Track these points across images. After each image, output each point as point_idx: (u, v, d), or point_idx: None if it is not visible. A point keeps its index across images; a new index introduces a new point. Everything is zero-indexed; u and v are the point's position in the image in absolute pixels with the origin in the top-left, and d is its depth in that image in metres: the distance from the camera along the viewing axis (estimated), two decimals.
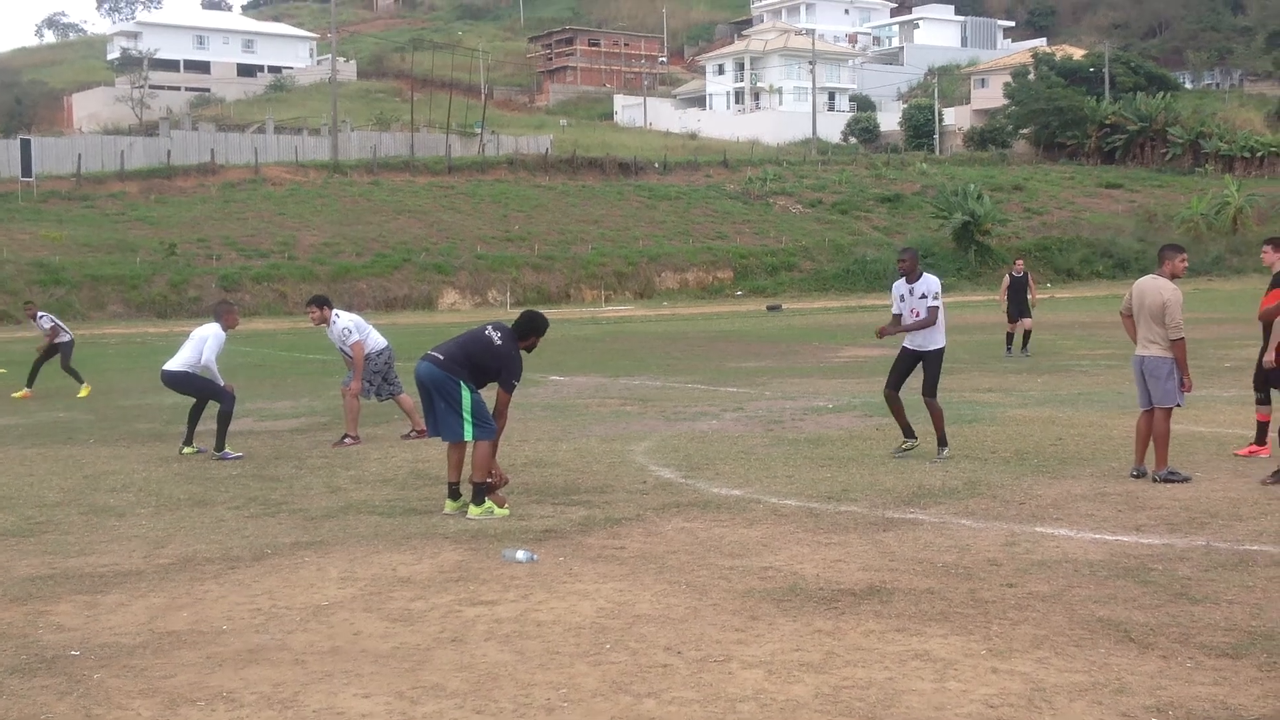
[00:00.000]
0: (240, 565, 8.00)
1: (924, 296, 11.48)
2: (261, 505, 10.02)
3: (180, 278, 54.58)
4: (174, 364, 13.00)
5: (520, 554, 7.97)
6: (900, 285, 11.72)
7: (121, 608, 7.03)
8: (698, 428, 14.28)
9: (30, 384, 20.28)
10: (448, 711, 5.27)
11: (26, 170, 62.84)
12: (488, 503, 9.33)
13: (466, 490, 9.49)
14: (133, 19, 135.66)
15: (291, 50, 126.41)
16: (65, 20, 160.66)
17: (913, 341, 11.68)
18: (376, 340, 13.83)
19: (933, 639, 6.09)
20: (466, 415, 9.21)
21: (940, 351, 11.70)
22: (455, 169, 76.14)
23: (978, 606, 6.63)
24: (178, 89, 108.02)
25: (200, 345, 12.88)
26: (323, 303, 13.43)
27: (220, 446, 12.75)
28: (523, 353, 9.49)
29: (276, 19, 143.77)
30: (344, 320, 13.53)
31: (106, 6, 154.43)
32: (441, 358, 9.32)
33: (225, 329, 13.04)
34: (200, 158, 70.79)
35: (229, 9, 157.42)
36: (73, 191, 64.19)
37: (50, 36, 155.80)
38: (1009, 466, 11.00)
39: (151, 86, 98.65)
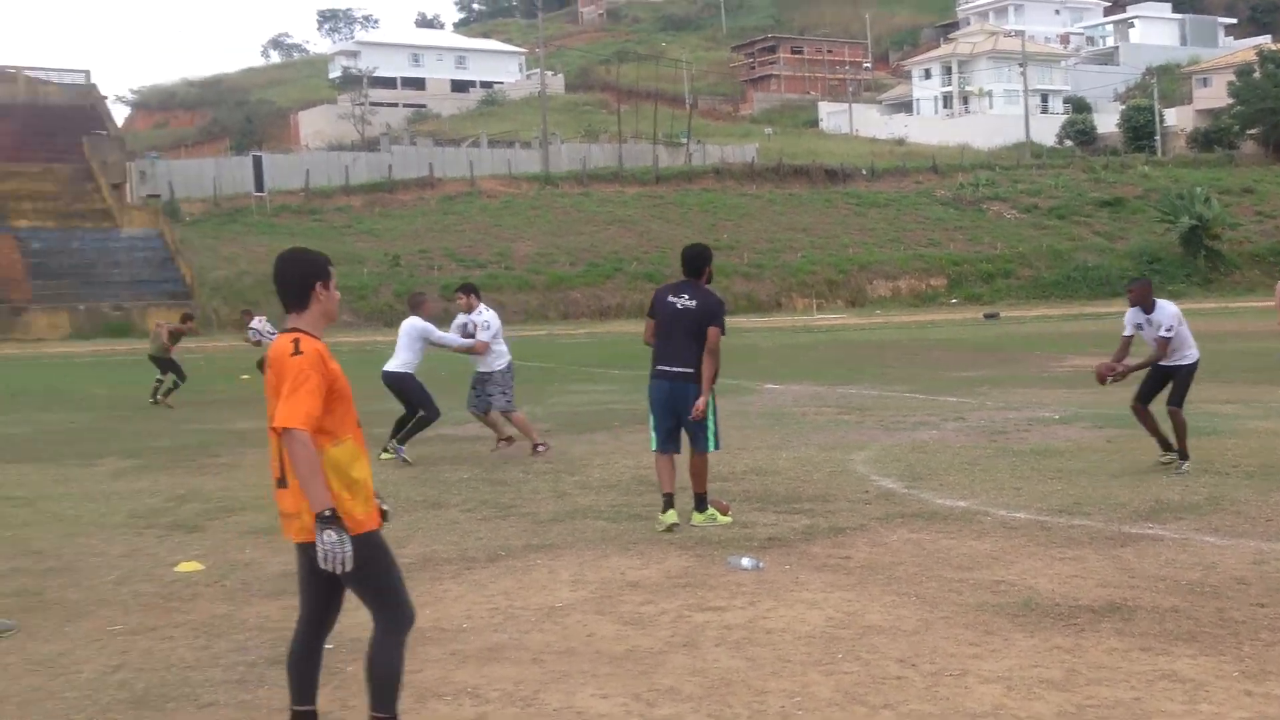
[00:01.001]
0: (476, 566, 8.25)
1: (1168, 329, 11.09)
2: (492, 508, 10.31)
3: (404, 288, 56.42)
4: (393, 365, 13.43)
5: (746, 561, 8.02)
6: (1135, 314, 11.36)
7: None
8: (918, 437, 14.10)
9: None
10: (684, 715, 5.34)
11: (259, 185, 65.97)
12: (710, 509, 9.40)
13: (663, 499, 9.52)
14: (352, 39, 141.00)
15: (502, 65, 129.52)
16: (289, 41, 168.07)
17: (1164, 360, 11.34)
18: (504, 351, 13.80)
19: (1180, 659, 5.89)
20: (712, 426, 9.28)
21: (1194, 365, 11.33)
22: (663, 179, 76.85)
23: (1227, 627, 6.38)
24: (395, 105, 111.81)
25: (412, 341, 13.28)
26: (471, 290, 13.65)
27: (403, 440, 13.15)
28: None
29: (486, 35, 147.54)
30: (487, 314, 13.70)
31: (327, 27, 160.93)
32: (689, 370, 9.12)
33: (424, 318, 13.44)
34: (419, 171, 73.10)
35: (442, 27, 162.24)
36: (302, 205, 67.06)
37: (275, 57, 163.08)
38: (1253, 481, 10.54)
39: (371, 103, 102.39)
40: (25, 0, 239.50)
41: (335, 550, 4.41)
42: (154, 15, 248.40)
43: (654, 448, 9.42)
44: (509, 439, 13.76)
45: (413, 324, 13.43)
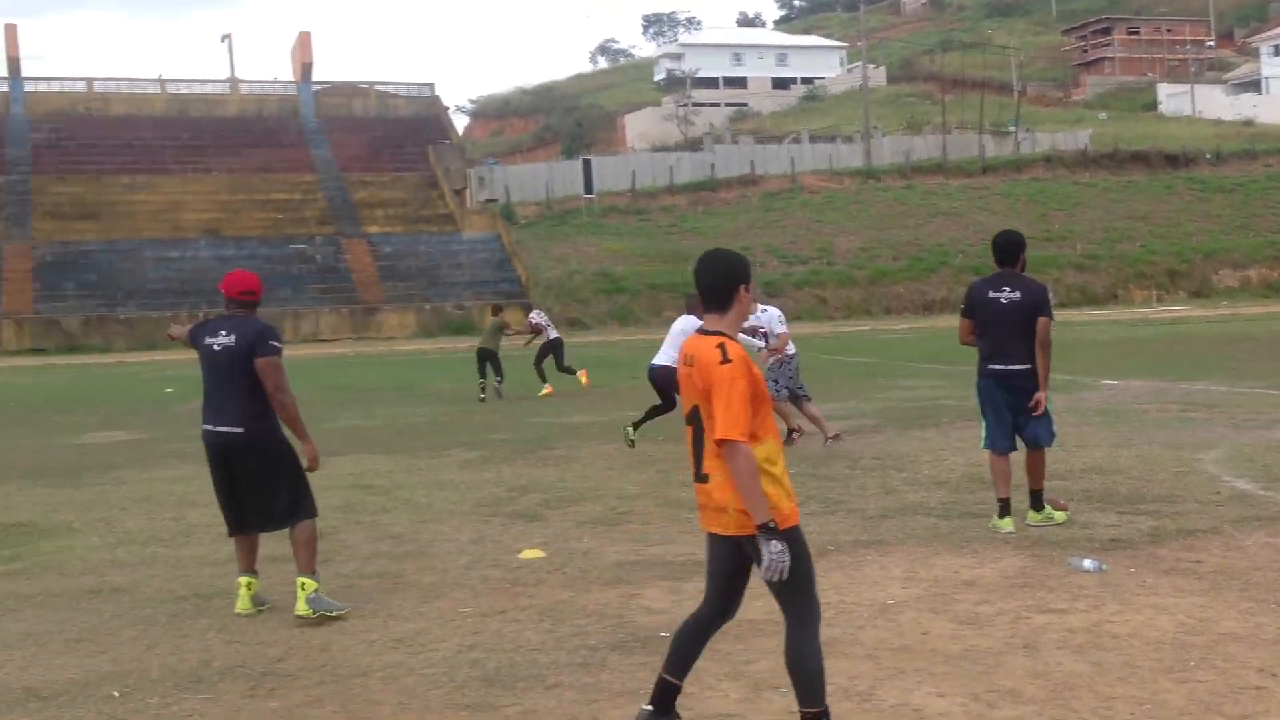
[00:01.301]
0: None
1: None
2: (820, 503, 10.31)
3: None
4: (661, 359, 13.72)
5: (1088, 563, 7.73)
6: None
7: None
8: (1274, 436, 13.23)
9: (545, 379, 22.82)
10: (1026, 718, 5.21)
11: (588, 188, 68.08)
12: (1047, 508, 9.11)
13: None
14: (676, 41, 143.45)
15: (822, 61, 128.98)
16: (616, 46, 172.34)
17: None
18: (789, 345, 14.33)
19: None
20: (1053, 417, 9.03)
21: None
22: (989, 169, 74.82)
23: None
24: (717, 105, 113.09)
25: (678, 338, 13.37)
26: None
27: (637, 426, 14.01)
28: None
29: (807, 31, 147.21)
30: (771, 310, 14.21)
31: (652, 31, 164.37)
32: (1024, 367, 8.83)
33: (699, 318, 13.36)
34: (741, 170, 73.74)
35: (763, 25, 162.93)
36: (628, 206, 68.76)
37: (603, 62, 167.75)
38: None
39: (694, 104, 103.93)
40: (376, 21, 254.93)
41: (779, 560, 4.56)
42: (491, 29, 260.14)
43: (985, 446, 9.18)
44: (798, 429, 14.27)
45: (689, 322, 13.36)
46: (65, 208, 59.52)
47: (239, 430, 7.21)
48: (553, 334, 23.36)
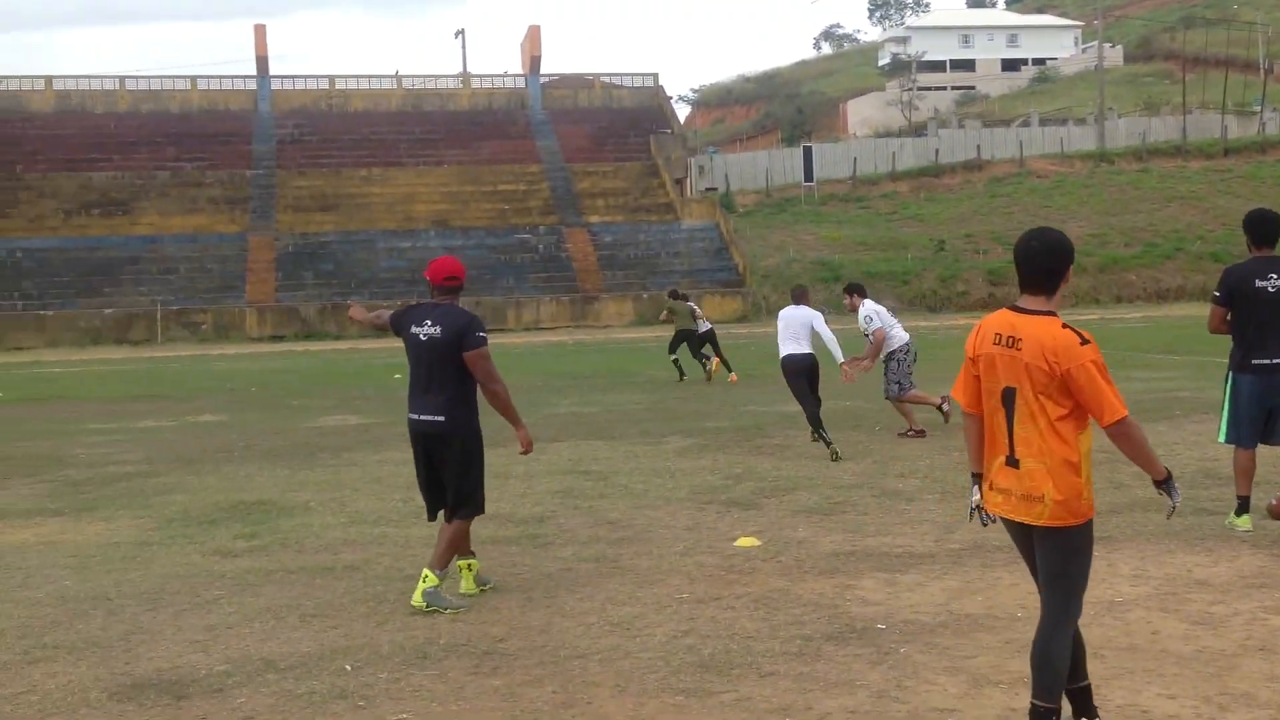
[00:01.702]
0: None
1: None
2: None
3: (949, 272, 56.10)
4: (790, 349, 13.59)
5: None
6: None
7: (919, 587, 7.37)
8: None
9: (730, 368, 23.64)
10: None
11: (808, 176, 67.62)
12: None
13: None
14: (902, 24, 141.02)
15: (1055, 41, 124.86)
16: (840, 31, 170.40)
17: None
18: (900, 335, 14.59)
19: None
20: None
21: None
22: (1231, 151, 71.30)
23: None
24: (944, 89, 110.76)
25: (809, 328, 13.58)
26: (853, 291, 14.71)
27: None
28: None
29: (1040, 10, 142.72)
30: (867, 308, 14.39)
31: (878, 15, 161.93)
32: None
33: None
34: (966, 155, 72.08)
35: (994, 6, 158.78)
36: (849, 193, 68.01)
37: (827, 48, 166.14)
38: None
39: (919, 88, 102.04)
40: (604, 14, 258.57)
41: (1175, 505, 4.86)
42: (716, 18, 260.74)
43: (1225, 441, 8.76)
44: (919, 431, 14.23)
45: (799, 311, 13.75)
46: (306, 201, 62.19)
47: (441, 419, 7.31)
48: (706, 326, 24.49)
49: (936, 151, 72.50)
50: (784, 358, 13.65)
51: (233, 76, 71.80)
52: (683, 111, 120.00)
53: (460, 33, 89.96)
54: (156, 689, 5.92)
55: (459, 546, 7.49)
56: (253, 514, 10.60)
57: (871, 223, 63.27)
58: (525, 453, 7.56)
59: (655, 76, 76.57)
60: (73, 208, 59.86)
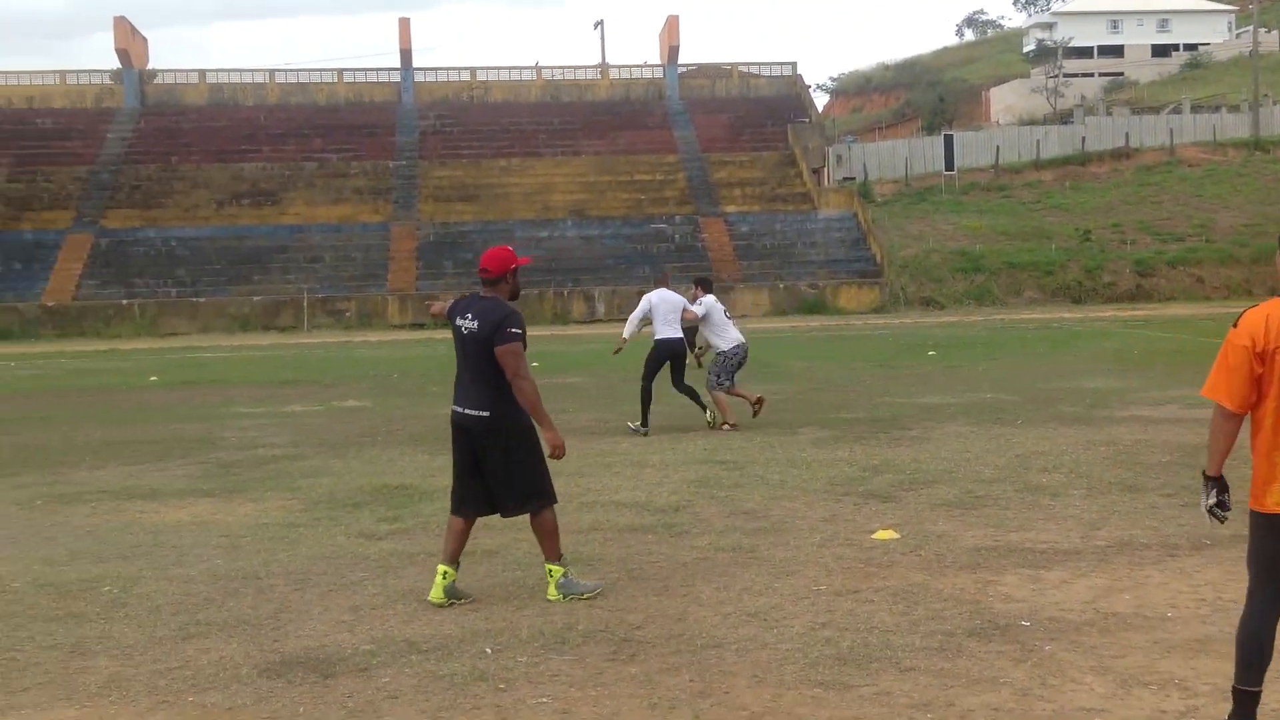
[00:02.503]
0: (1179, 553, 7.85)
1: None
2: (1195, 494, 9.71)
3: (1094, 263, 54.75)
4: (668, 333, 15.18)
5: None
6: None
7: (1064, 584, 7.21)
8: None
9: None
10: None
11: (949, 164, 66.55)
12: None
13: None
14: (1048, 10, 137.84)
15: (1208, 26, 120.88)
16: (984, 18, 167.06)
17: None
18: (734, 335, 15.53)
19: None
20: None
21: None
22: None
23: None
24: (1090, 75, 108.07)
25: (679, 310, 15.23)
26: (700, 284, 15.85)
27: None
28: None
29: None
30: (706, 302, 15.51)
31: (1022, 1, 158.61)
32: None
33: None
34: (1114, 143, 70.26)
35: None
36: (990, 182, 66.79)
37: (969, 35, 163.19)
38: None
39: (1065, 75, 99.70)
40: (741, 3, 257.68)
41: None
42: (854, 4, 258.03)
43: None
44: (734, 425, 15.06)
45: (664, 294, 15.35)
46: (447, 190, 63.15)
47: (484, 414, 7.19)
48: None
49: (1083, 139, 70.79)
50: (659, 340, 15.24)
51: (378, 69, 73.20)
52: (821, 100, 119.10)
53: (599, 23, 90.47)
54: (304, 666, 6.07)
55: (555, 531, 7.36)
56: (395, 498, 10.81)
57: (1014, 212, 62.02)
58: (555, 456, 7.29)
59: (793, 65, 76.03)
60: (224, 198, 61.67)
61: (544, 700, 5.51)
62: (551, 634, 6.49)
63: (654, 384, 15.26)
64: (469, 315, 7.27)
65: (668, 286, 15.72)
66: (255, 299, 54.07)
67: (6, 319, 52.51)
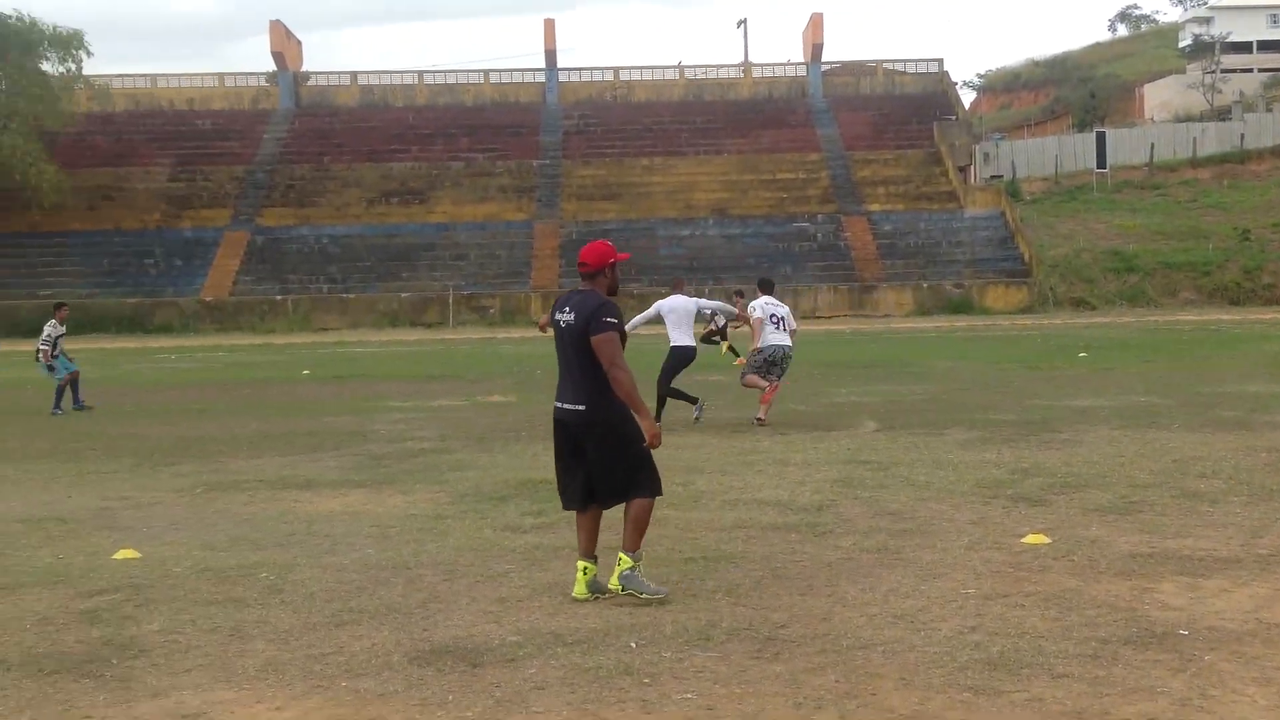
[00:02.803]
0: None
1: None
2: None
3: (1254, 264, 52.99)
4: (685, 340, 15.77)
5: None
6: None
7: (1224, 593, 6.98)
8: None
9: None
10: None
11: (1101, 162, 64.97)
12: None
13: None
14: (1204, 4, 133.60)
15: None
16: (1137, 13, 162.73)
17: None
18: (764, 336, 16.15)
19: None
20: None
21: None
22: None
23: None
24: (1249, 71, 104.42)
25: (692, 316, 15.96)
26: (738, 293, 17.62)
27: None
28: None
29: None
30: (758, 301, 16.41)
31: None
32: None
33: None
34: (1274, 140, 67.91)
35: None
36: (1144, 180, 65.05)
37: (1122, 30, 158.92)
38: None
39: (1223, 70, 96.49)
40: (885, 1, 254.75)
41: None
42: (1004, 1, 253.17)
43: None
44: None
45: (678, 300, 15.91)
46: (590, 189, 63.70)
47: (581, 408, 7.15)
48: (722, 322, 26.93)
49: (1242, 136, 68.54)
50: (675, 347, 15.79)
51: (523, 70, 74.09)
52: (967, 98, 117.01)
53: (742, 22, 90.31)
54: (453, 656, 6.17)
55: (643, 524, 7.28)
56: (539, 492, 10.91)
57: (1169, 211, 60.31)
58: (652, 446, 7.13)
59: (940, 62, 75.01)
60: (374, 196, 63.08)
61: (689, 696, 5.51)
62: (695, 630, 6.49)
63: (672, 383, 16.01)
64: (567, 309, 7.23)
65: (681, 293, 16.49)
66: (403, 295, 55.20)
67: (167, 314, 54.46)
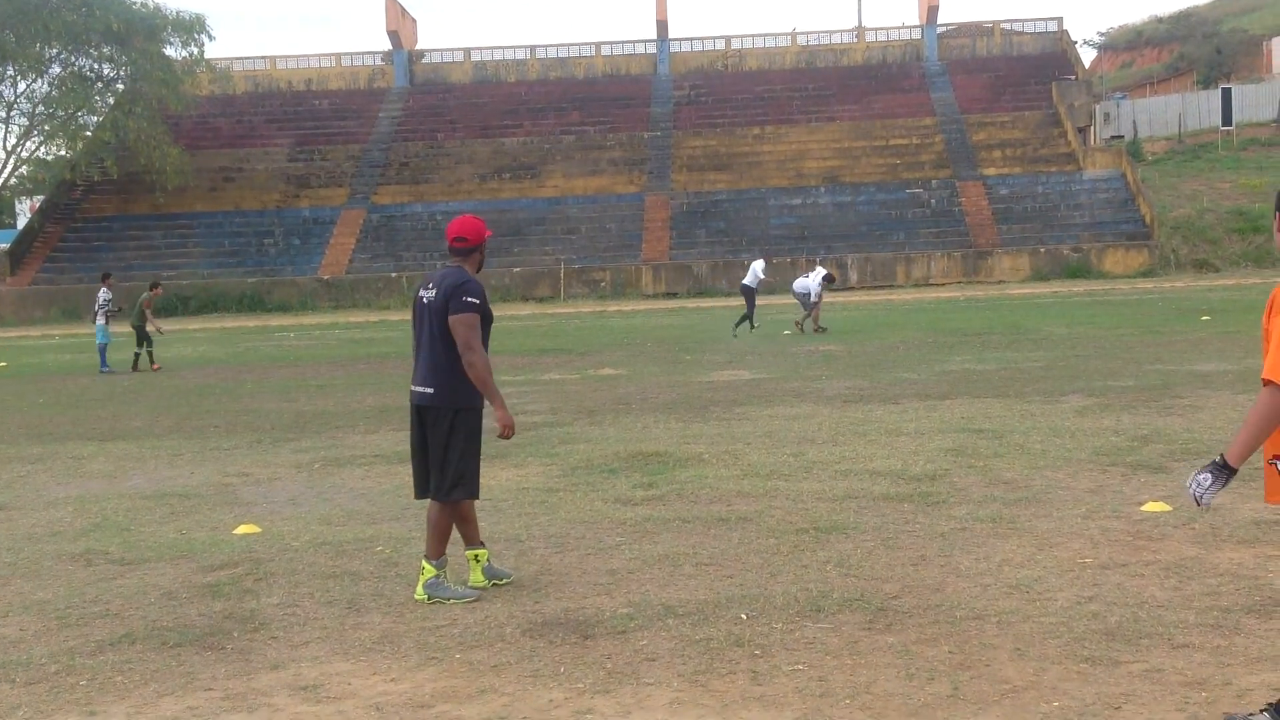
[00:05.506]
0: None
1: None
2: None
3: None
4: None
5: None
6: None
7: None
8: None
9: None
10: None
11: (1226, 120, 62.98)
12: None
13: None
14: None
15: None
16: None
17: None
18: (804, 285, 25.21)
19: None
20: None
21: None
22: None
23: None
24: None
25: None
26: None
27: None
28: None
29: None
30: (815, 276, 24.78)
31: None
32: None
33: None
34: None
35: None
36: (1272, 137, 62.97)
37: None
38: None
39: None
40: None
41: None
42: None
43: None
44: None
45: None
46: (700, 160, 63.46)
47: (430, 390, 6.78)
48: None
49: None
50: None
51: (634, 41, 73.97)
52: (1088, 56, 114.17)
53: None
54: (564, 627, 6.23)
55: (447, 533, 6.91)
56: (650, 464, 10.96)
57: None
58: (505, 436, 6.81)
59: (1059, 21, 73.21)
60: (486, 172, 63.60)
61: (799, 668, 5.50)
62: (806, 601, 6.47)
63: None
64: (430, 285, 6.84)
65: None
66: (515, 270, 55.61)
67: (286, 292, 55.59)
